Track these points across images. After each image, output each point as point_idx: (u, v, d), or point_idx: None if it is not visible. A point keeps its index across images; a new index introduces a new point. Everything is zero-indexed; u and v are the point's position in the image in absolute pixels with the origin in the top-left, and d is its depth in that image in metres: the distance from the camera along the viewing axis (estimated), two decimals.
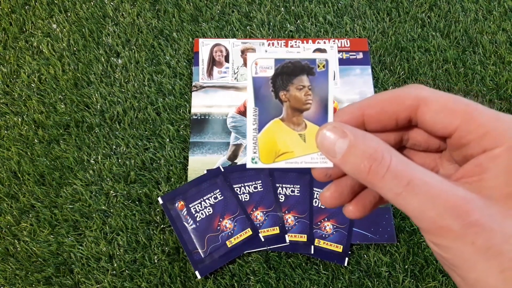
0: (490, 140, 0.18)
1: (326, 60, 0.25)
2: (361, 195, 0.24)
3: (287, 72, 0.25)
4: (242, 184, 0.65)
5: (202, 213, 0.62)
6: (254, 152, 0.25)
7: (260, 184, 0.65)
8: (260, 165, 0.25)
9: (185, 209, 0.62)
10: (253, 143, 0.25)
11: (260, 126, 0.25)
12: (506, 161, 0.18)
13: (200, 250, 0.60)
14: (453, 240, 0.18)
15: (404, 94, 0.21)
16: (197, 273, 0.59)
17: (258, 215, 0.63)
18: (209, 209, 0.63)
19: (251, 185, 0.64)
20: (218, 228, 0.62)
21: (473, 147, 0.19)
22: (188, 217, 0.62)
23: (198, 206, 0.63)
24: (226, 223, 0.62)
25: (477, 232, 0.17)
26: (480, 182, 0.18)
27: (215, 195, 0.64)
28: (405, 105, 0.21)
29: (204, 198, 0.63)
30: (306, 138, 0.25)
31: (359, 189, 0.24)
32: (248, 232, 0.61)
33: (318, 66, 0.25)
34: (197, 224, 0.62)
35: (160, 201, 0.63)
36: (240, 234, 0.61)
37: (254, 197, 0.64)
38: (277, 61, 0.25)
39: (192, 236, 0.61)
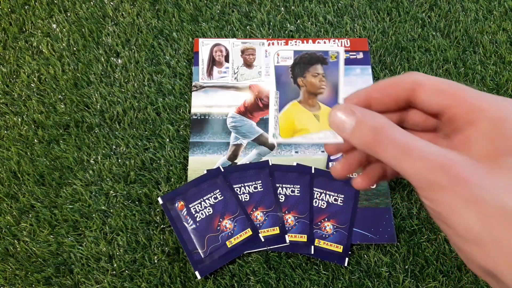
0: (475, 114, 0.22)
1: (338, 52, 0.29)
2: (368, 169, 0.28)
3: (304, 61, 0.29)
4: (242, 184, 0.64)
5: (202, 213, 0.62)
6: (275, 129, 0.29)
7: (260, 184, 0.64)
8: (280, 140, 0.29)
9: (185, 209, 0.62)
10: (275, 121, 0.29)
11: (281, 107, 0.29)
12: (488, 131, 0.21)
13: (200, 250, 0.60)
14: (443, 194, 0.21)
15: (403, 79, 0.25)
16: (197, 273, 0.59)
17: (258, 215, 0.63)
18: (209, 209, 0.63)
19: (251, 185, 0.64)
20: (218, 228, 0.61)
21: (461, 121, 0.23)
22: (188, 217, 0.62)
23: (198, 206, 0.63)
24: (226, 223, 0.62)
25: (463, 186, 0.20)
26: (467, 150, 0.22)
27: (215, 195, 0.63)
28: (404, 88, 0.25)
29: (204, 198, 0.63)
30: (320, 118, 0.29)
31: (366, 162, 0.28)
32: (248, 232, 0.61)
33: (331, 57, 0.29)
34: (197, 224, 0.62)
35: (160, 201, 0.63)
36: (240, 234, 0.61)
37: (254, 197, 0.64)
38: (295, 52, 0.29)
39: (192, 236, 0.61)
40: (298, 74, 0.29)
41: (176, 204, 0.63)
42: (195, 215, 0.62)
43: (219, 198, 0.63)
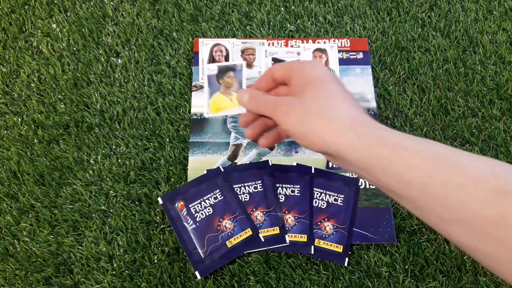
0: (294, 73, 0.39)
1: (242, 64, 0.53)
2: (268, 133, 0.44)
3: (222, 70, 0.54)
4: (242, 184, 0.64)
5: (202, 213, 0.62)
6: (208, 109, 0.51)
7: (260, 184, 0.64)
8: (210, 115, 0.53)
9: (185, 209, 0.62)
10: (207, 104, 0.51)
11: (211, 96, 0.52)
12: (298, 79, 0.39)
13: (200, 250, 0.60)
14: (281, 116, 0.37)
15: (269, 70, 0.43)
16: (197, 273, 0.59)
17: (258, 215, 0.63)
18: (209, 209, 0.63)
19: (251, 185, 0.64)
20: (218, 228, 0.61)
21: (292, 80, 0.40)
22: (188, 217, 0.62)
23: (198, 206, 0.63)
24: (226, 223, 0.62)
25: (286, 107, 0.37)
26: (291, 94, 0.39)
27: (215, 195, 0.63)
28: (270, 74, 0.42)
29: (204, 198, 0.63)
30: (233, 100, 0.51)
31: (267, 128, 0.44)
32: (248, 232, 0.61)
33: (238, 66, 0.53)
34: (197, 224, 0.62)
35: (160, 201, 0.63)
36: (240, 234, 0.61)
37: (254, 197, 0.64)
38: (218, 66, 0.53)
39: (192, 236, 0.61)
40: (219, 77, 0.54)
41: (176, 204, 0.63)
42: (195, 215, 0.62)
43: (219, 198, 0.63)
